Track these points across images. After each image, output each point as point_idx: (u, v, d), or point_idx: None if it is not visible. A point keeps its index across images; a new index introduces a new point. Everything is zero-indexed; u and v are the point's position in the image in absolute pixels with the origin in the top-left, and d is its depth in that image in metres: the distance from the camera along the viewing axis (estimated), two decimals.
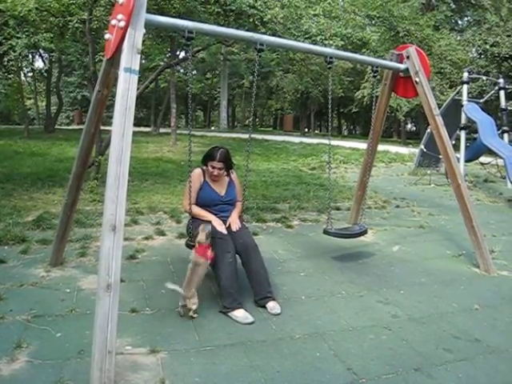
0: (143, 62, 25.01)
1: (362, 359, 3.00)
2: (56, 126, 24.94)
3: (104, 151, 8.00)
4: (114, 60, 3.41)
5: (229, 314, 3.51)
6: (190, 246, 3.98)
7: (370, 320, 3.58)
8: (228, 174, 4.15)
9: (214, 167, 3.98)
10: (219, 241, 3.74)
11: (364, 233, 5.02)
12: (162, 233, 5.56)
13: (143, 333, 3.19)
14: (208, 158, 4.02)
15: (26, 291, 3.77)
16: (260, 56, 4.01)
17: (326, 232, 4.75)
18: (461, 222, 5.05)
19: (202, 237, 3.58)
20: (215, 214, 3.97)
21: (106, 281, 2.61)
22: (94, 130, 4.02)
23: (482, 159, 11.67)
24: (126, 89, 2.87)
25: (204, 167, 4.09)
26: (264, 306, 3.67)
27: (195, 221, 3.95)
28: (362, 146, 13.94)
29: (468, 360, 3.03)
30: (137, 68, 2.94)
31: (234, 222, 3.95)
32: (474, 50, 24.53)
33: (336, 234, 4.79)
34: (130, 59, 2.92)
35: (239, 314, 3.49)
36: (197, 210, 3.99)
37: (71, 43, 14.09)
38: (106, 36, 3.29)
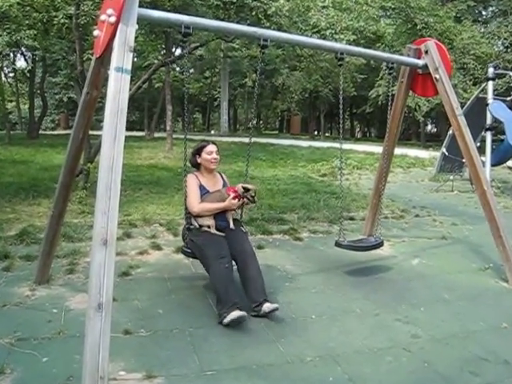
0: (136, 60, 25.17)
1: None
2: (40, 131, 25.04)
3: (93, 158, 8.05)
4: (104, 58, 3.45)
5: (225, 320, 3.59)
6: (185, 253, 4.26)
7: (387, 341, 3.58)
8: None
9: (211, 152, 4.30)
10: (214, 245, 3.96)
11: (380, 245, 5.03)
12: (157, 247, 5.58)
13: (138, 356, 3.20)
14: (200, 148, 4.34)
15: (10, 312, 3.78)
16: (263, 53, 4.06)
17: (338, 244, 4.77)
18: (487, 233, 5.05)
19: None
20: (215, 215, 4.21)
21: (96, 300, 2.63)
22: (82, 135, 4.05)
23: (510, 163, 11.68)
24: (118, 90, 2.91)
25: (196, 173, 4.37)
26: (262, 316, 3.78)
27: (191, 227, 4.18)
28: (378, 149, 13.92)
29: None
30: (129, 67, 2.97)
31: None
32: (499, 42, 24.57)
33: (349, 246, 4.81)
34: (121, 57, 2.95)
35: (233, 312, 3.59)
36: (207, 205, 4.17)
37: (56, 40, 14.20)
38: (95, 33, 3.33)
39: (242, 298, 3.82)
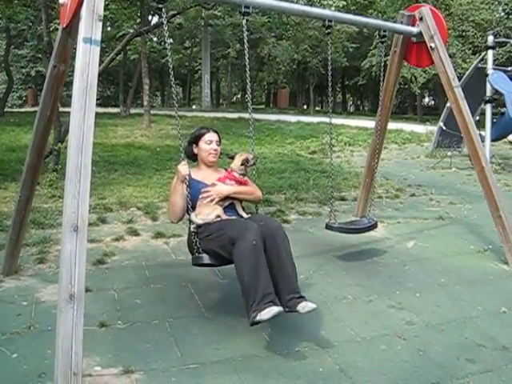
0: (109, 29, 24.88)
1: (371, 374, 3.04)
2: (6, 109, 24.73)
3: (64, 137, 7.95)
4: (72, 29, 3.40)
5: (257, 318, 3.00)
6: (200, 260, 3.50)
7: (380, 328, 3.62)
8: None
9: (210, 141, 3.84)
10: (235, 223, 3.41)
11: (373, 227, 5.05)
12: (135, 232, 5.57)
13: (115, 350, 3.20)
14: (199, 135, 3.89)
15: None
16: (247, 21, 4.00)
17: (328, 227, 4.78)
18: (487, 212, 5.10)
19: (236, 162, 3.77)
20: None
21: (68, 290, 2.61)
22: (50, 112, 4.01)
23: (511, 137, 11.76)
24: (86, 63, 2.86)
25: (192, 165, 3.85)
26: (293, 310, 3.23)
27: (198, 230, 3.52)
28: (371, 124, 13.91)
29: (494, 371, 3.08)
30: (98, 38, 2.92)
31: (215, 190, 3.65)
32: (500, 8, 24.55)
33: (340, 228, 4.83)
34: (89, 27, 2.90)
35: (268, 309, 3.01)
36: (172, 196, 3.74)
37: (21, 9, 13.97)
38: (61, 0, 3.27)
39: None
